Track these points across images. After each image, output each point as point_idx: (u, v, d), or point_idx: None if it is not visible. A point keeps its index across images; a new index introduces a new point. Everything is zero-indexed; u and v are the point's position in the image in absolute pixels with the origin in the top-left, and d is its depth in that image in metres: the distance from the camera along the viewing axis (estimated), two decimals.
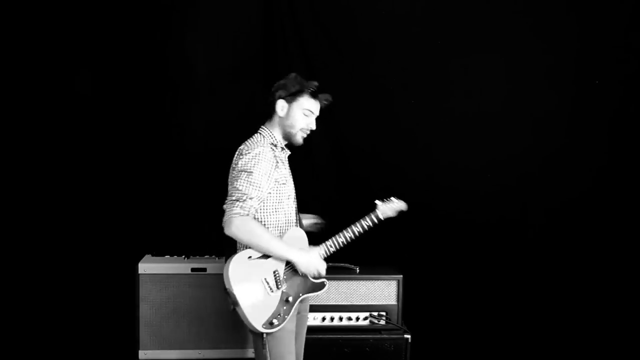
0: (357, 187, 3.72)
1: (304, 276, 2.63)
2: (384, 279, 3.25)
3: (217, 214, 3.63)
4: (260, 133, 2.68)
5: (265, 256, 2.53)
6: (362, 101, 3.72)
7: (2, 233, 3.66)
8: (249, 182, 2.49)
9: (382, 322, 3.22)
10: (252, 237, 2.48)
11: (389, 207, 2.83)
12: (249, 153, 2.54)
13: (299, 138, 2.68)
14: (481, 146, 3.75)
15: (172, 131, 3.75)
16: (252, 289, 2.48)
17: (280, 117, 2.65)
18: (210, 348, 3.31)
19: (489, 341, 3.77)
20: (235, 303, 2.45)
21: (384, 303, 3.25)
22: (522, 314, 3.77)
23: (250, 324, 2.46)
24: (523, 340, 3.77)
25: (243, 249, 2.55)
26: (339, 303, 3.23)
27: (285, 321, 2.53)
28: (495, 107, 3.72)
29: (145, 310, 3.27)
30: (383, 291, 3.25)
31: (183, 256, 3.42)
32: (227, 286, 2.46)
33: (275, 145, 2.66)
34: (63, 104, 3.66)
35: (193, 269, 3.30)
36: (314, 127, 2.69)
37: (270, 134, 2.67)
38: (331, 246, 2.69)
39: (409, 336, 3.14)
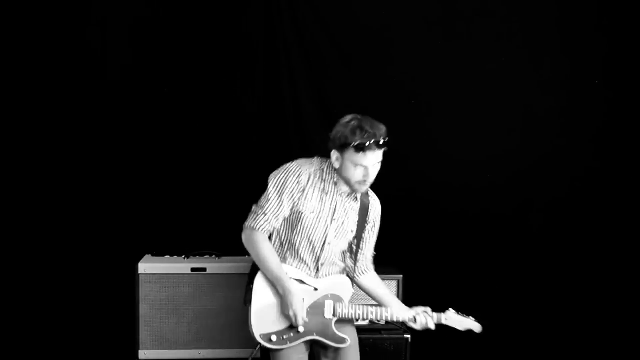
0: None
1: (329, 321, 2.58)
2: (384, 279, 3.21)
3: (217, 214, 3.67)
4: (320, 158, 2.59)
5: (301, 281, 2.58)
6: (361, 98, 3.72)
7: (2, 233, 3.66)
8: (265, 196, 2.55)
9: (382, 322, 3.21)
10: (252, 252, 2.58)
11: (456, 320, 2.68)
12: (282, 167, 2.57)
13: (358, 188, 2.52)
14: (481, 144, 3.77)
15: (171, 130, 3.74)
16: (269, 299, 2.55)
17: (337, 167, 2.53)
18: (210, 348, 3.31)
19: (490, 341, 3.76)
20: (247, 301, 2.55)
21: None
22: (523, 313, 3.78)
23: (250, 326, 2.52)
24: (524, 339, 3.78)
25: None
26: None
27: (285, 347, 2.54)
28: (497, 104, 3.74)
29: (145, 310, 3.26)
30: None
31: (183, 256, 3.42)
32: (251, 283, 2.56)
33: (327, 180, 2.56)
34: (62, 103, 3.66)
35: (193, 269, 3.30)
36: (369, 179, 2.49)
37: (327, 168, 2.56)
38: (345, 308, 2.59)
39: (409, 336, 3.13)
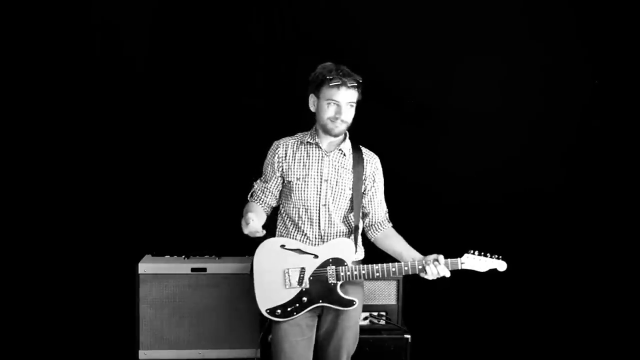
0: None
1: (334, 286, 2.57)
2: (384, 279, 3.25)
3: (217, 214, 3.67)
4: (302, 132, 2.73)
5: (300, 251, 2.59)
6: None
7: (2, 233, 3.66)
8: None
9: (382, 322, 3.22)
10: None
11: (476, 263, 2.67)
12: None
13: (331, 127, 2.58)
14: (481, 140, 3.78)
15: (172, 130, 3.74)
16: (270, 274, 2.58)
17: (313, 112, 2.66)
18: (210, 348, 3.32)
19: (490, 341, 3.77)
20: (251, 286, 2.59)
21: (384, 303, 3.25)
22: (523, 313, 3.77)
23: (256, 302, 2.57)
24: (524, 340, 3.77)
25: (278, 235, 2.69)
26: None
27: (291, 318, 2.56)
28: (493, 106, 3.75)
29: (145, 310, 3.27)
30: (383, 291, 3.25)
31: (183, 256, 3.43)
32: (252, 261, 2.61)
33: (309, 143, 2.67)
34: (62, 103, 3.66)
35: (193, 269, 3.30)
36: (343, 117, 2.57)
37: (309, 134, 2.69)
38: (348, 270, 2.57)
39: (409, 336, 3.13)
